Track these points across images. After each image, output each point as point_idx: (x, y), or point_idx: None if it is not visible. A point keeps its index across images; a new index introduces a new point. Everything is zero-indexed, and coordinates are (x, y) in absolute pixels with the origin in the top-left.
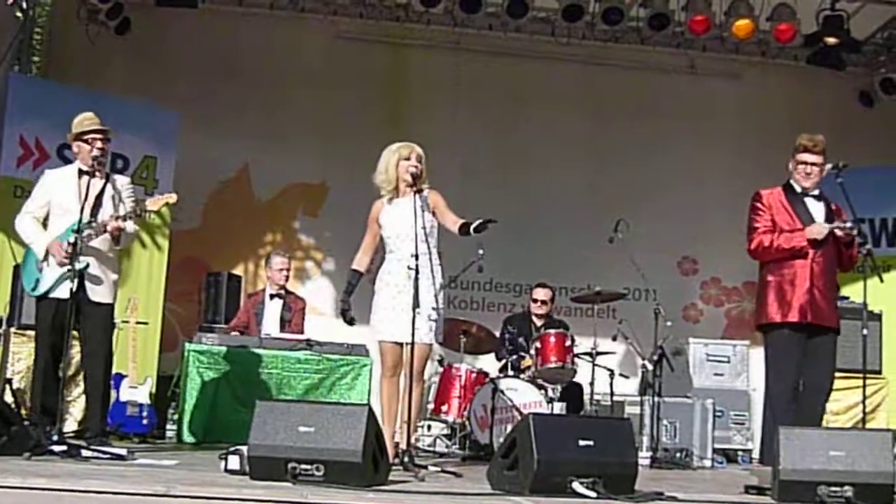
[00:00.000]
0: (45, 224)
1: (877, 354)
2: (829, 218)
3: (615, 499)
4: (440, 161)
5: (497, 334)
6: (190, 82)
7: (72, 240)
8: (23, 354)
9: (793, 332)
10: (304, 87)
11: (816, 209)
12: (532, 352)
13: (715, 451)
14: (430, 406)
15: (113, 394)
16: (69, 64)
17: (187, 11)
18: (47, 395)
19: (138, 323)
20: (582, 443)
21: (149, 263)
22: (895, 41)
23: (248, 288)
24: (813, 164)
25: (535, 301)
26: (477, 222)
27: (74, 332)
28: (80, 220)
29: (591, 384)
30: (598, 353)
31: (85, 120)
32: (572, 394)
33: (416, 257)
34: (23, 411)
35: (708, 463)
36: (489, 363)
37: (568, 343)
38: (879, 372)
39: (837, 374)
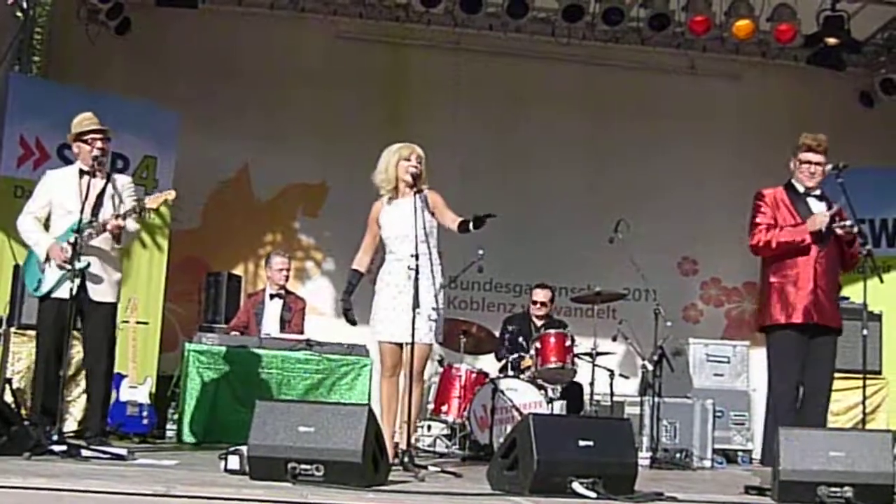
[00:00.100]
0: (46, 225)
1: (877, 355)
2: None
3: (615, 499)
4: (440, 161)
5: (497, 334)
6: (190, 82)
7: (72, 240)
8: (23, 354)
9: (796, 332)
10: (303, 87)
11: (818, 209)
12: (532, 352)
13: (715, 451)
14: (430, 406)
15: (113, 394)
16: (69, 64)
17: (187, 11)
18: (47, 395)
19: (138, 323)
20: (582, 443)
21: (149, 263)
22: (895, 42)
23: (248, 288)
24: (817, 163)
25: (535, 303)
26: (474, 218)
27: (75, 332)
28: (80, 220)
29: (591, 384)
30: (598, 354)
31: (84, 120)
32: (572, 394)
33: (416, 257)
34: (23, 411)
35: (708, 463)
36: (489, 363)
37: (568, 343)
38: (879, 372)
39: (837, 375)
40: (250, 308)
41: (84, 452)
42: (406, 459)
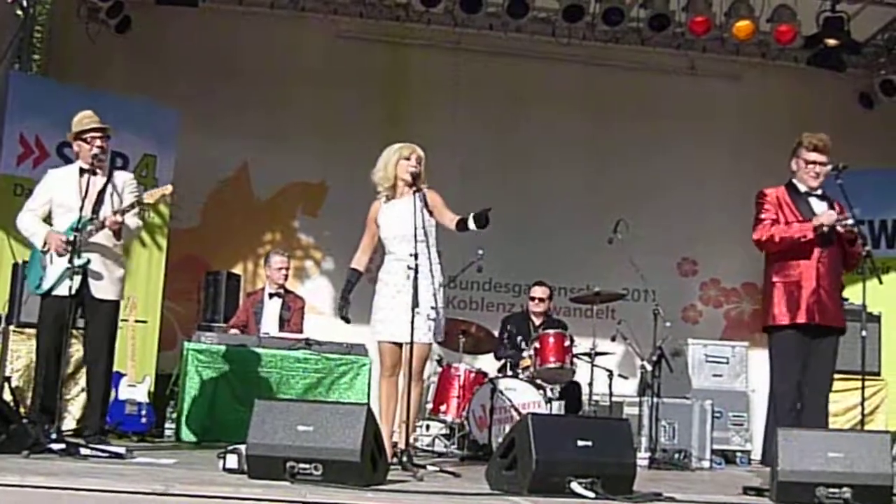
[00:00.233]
0: (47, 223)
1: (876, 356)
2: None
3: (613, 499)
4: (440, 161)
5: (496, 334)
6: (190, 81)
7: (71, 237)
8: (22, 352)
9: (799, 333)
10: (304, 86)
11: (820, 209)
12: (531, 352)
13: (713, 451)
14: (429, 406)
15: (112, 392)
16: (69, 62)
17: (187, 10)
18: (46, 394)
19: (137, 321)
20: (580, 443)
21: (148, 262)
22: (895, 43)
23: (247, 287)
24: (822, 163)
25: (533, 299)
26: (472, 216)
27: (73, 331)
28: (80, 218)
29: (590, 385)
30: (597, 354)
31: (84, 118)
32: (571, 394)
33: (415, 257)
34: (22, 409)
35: (706, 464)
36: (488, 363)
37: (567, 343)
38: (878, 374)
39: (836, 376)
40: (249, 307)
41: (83, 451)
42: (405, 459)
